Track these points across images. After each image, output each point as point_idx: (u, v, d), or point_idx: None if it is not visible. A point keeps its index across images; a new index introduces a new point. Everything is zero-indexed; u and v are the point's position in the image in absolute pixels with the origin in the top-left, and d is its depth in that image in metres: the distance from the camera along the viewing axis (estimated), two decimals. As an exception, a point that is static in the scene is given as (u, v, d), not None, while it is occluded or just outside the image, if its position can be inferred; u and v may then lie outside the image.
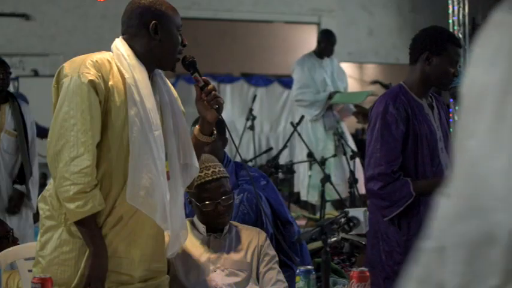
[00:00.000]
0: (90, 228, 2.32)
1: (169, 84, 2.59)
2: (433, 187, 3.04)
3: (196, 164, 2.57)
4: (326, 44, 7.49)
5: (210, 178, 2.97)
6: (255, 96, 8.00)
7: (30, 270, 2.78)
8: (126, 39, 2.45)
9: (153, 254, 2.50)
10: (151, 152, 2.35)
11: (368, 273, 2.29)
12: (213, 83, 9.42)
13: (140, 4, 2.45)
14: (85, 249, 2.35)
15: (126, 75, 2.36)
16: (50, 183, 2.43)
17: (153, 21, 2.41)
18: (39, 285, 2.11)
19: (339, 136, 6.78)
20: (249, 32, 11.88)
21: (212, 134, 2.64)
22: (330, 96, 7.21)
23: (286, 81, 11.18)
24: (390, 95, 3.12)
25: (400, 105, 3.06)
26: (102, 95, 2.32)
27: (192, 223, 3.05)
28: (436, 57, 3.09)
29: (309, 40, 11.87)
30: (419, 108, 3.11)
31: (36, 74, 9.72)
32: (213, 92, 2.52)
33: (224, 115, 10.28)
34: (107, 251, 2.34)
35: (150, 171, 2.34)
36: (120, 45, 2.44)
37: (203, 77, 2.56)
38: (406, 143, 3.05)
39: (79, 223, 2.31)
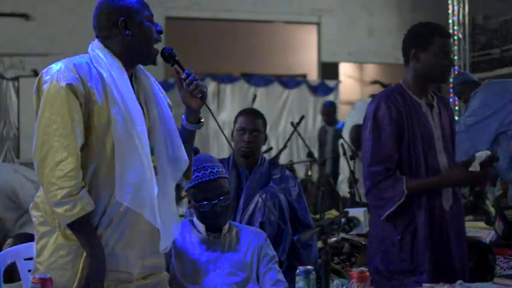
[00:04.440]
0: (84, 229, 2.32)
1: (153, 79, 2.58)
2: (429, 187, 3.01)
3: (185, 156, 2.56)
4: None
5: (208, 179, 2.97)
6: (255, 96, 8.01)
7: (30, 270, 2.78)
8: (101, 42, 2.47)
9: (150, 249, 2.49)
10: (135, 148, 2.35)
11: (368, 273, 2.28)
12: (213, 83, 9.39)
13: (104, 5, 2.45)
14: (82, 251, 2.34)
15: (104, 75, 2.37)
16: (41, 189, 2.43)
17: (121, 18, 2.42)
18: (39, 285, 2.11)
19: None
20: (249, 32, 11.88)
21: (199, 121, 2.63)
22: None
23: (286, 81, 11.18)
24: (384, 94, 3.09)
25: (392, 104, 3.01)
26: (82, 97, 2.33)
27: (192, 223, 3.06)
28: (423, 53, 3.02)
29: (309, 40, 11.87)
30: (416, 107, 3.05)
31: (36, 74, 9.71)
32: (195, 82, 2.50)
33: (224, 115, 10.30)
34: (103, 251, 2.34)
35: (136, 167, 2.35)
36: (95, 46, 2.45)
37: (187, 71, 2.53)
38: (401, 143, 3.01)
39: (72, 226, 2.31)
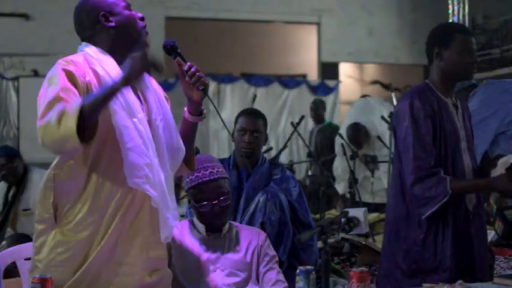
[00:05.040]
0: (99, 97, 2.26)
1: (147, 76, 2.58)
2: (474, 189, 3.03)
3: (183, 146, 2.56)
4: None
5: (208, 179, 2.97)
6: (255, 96, 8.00)
7: (30, 270, 2.78)
8: (88, 42, 2.48)
9: (153, 240, 2.48)
10: (140, 134, 2.36)
11: (368, 273, 2.28)
12: (213, 83, 9.36)
13: (81, 7, 2.48)
14: (80, 246, 2.35)
15: (98, 69, 2.38)
16: (41, 188, 2.43)
17: (101, 13, 2.45)
18: (39, 285, 2.11)
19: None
20: (249, 32, 11.88)
21: (201, 113, 2.63)
22: None
23: (286, 81, 11.19)
24: (415, 91, 3.10)
25: (425, 100, 3.03)
26: (81, 87, 2.32)
27: (192, 223, 3.06)
28: (446, 51, 3.06)
29: (309, 40, 11.88)
30: (444, 106, 3.08)
31: (36, 74, 9.73)
32: (197, 74, 2.50)
33: (224, 115, 10.25)
34: (126, 68, 2.30)
35: (143, 152, 2.35)
36: (83, 47, 2.47)
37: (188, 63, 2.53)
38: (434, 140, 3.02)
39: (92, 109, 2.25)
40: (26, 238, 4.70)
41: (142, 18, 2.51)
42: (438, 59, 3.07)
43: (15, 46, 10.27)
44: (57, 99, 2.24)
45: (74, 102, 2.23)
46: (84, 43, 2.48)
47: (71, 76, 2.31)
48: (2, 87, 10.48)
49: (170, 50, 2.53)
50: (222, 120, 2.72)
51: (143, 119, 2.40)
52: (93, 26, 2.45)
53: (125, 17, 2.47)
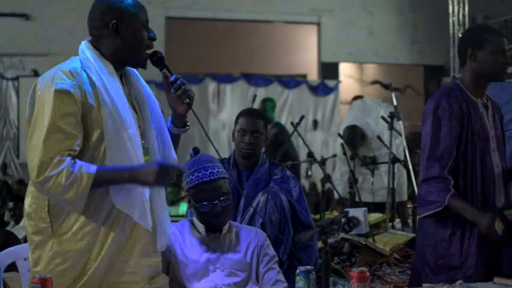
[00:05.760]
0: (107, 182, 2.31)
1: (143, 81, 2.58)
2: (464, 213, 3.00)
3: (174, 155, 2.58)
4: None
5: (208, 179, 2.97)
6: (255, 96, 7.98)
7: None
8: (92, 41, 2.46)
9: (152, 249, 2.49)
10: (126, 150, 2.34)
11: (368, 273, 2.28)
12: (213, 83, 9.35)
13: (100, 5, 2.44)
14: (79, 256, 2.35)
15: (94, 78, 2.35)
16: (31, 198, 2.40)
17: (113, 21, 2.40)
18: (39, 285, 2.11)
19: None
20: (249, 32, 11.89)
21: (185, 125, 2.63)
22: None
23: (286, 81, 11.19)
24: (444, 91, 3.13)
25: (453, 100, 3.05)
26: (80, 103, 2.31)
27: (192, 223, 3.06)
28: (479, 51, 3.09)
29: (309, 40, 11.88)
30: (473, 106, 3.10)
31: (36, 74, 9.73)
32: (183, 87, 2.50)
33: (224, 115, 10.18)
34: (135, 172, 2.32)
35: None
36: (85, 48, 2.43)
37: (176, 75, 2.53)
38: (459, 140, 3.05)
39: (97, 185, 2.29)
40: (10, 235, 4.70)
41: (153, 39, 2.48)
42: (471, 59, 3.11)
43: (15, 46, 10.27)
44: (57, 140, 2.25)
45: (84, 164, 2.26)
46: (87, 43, 2.45)
47: (67, 101, 2.28)
48: (2, 87, 10.49)
49: (157, 62, 2.53)
50: (205, 130, 2.74)
51: (135, 133, 2.39)
52: (101, 28, 2.42)
53: (134, 36, 2.43)
